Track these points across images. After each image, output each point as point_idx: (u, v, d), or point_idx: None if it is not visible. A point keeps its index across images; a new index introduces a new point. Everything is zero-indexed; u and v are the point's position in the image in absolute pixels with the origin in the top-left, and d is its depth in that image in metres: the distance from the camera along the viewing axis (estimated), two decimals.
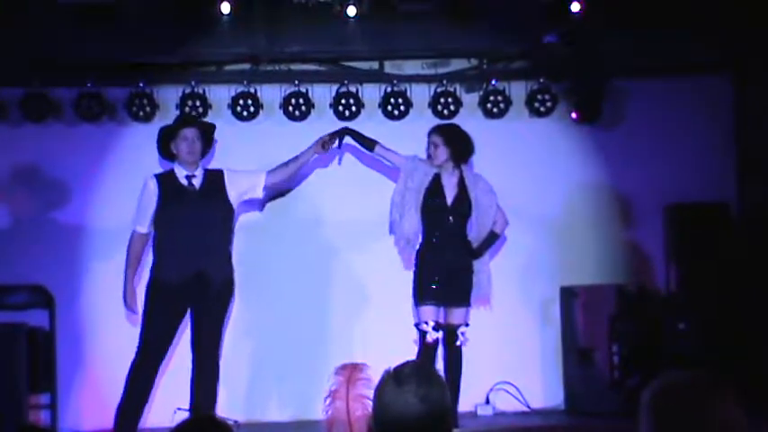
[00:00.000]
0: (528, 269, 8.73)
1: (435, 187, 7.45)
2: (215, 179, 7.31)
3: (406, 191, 7.46)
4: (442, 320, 7.36)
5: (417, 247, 7.47)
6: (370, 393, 4.25)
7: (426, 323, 7.32)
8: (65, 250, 8.43)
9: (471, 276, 7.49)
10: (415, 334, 7.40)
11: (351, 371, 4.33)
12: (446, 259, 7.38)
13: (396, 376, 3.05)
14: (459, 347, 7.43)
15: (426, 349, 7.31)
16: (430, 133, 7.51)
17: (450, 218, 7.45)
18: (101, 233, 8.38)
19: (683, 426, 2.57)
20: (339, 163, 8.47)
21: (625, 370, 8.16)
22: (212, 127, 7.47)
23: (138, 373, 7.07)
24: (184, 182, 7.23)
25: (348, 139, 7.69)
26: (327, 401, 4.33)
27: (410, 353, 7.23)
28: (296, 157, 7.47)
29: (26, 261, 8.34)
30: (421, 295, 7.40)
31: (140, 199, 7.25)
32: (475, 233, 7.49)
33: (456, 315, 7.40)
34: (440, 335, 7.33)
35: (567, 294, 8.60)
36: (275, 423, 8.20)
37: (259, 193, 7.51)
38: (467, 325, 7.46)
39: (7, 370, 7.66)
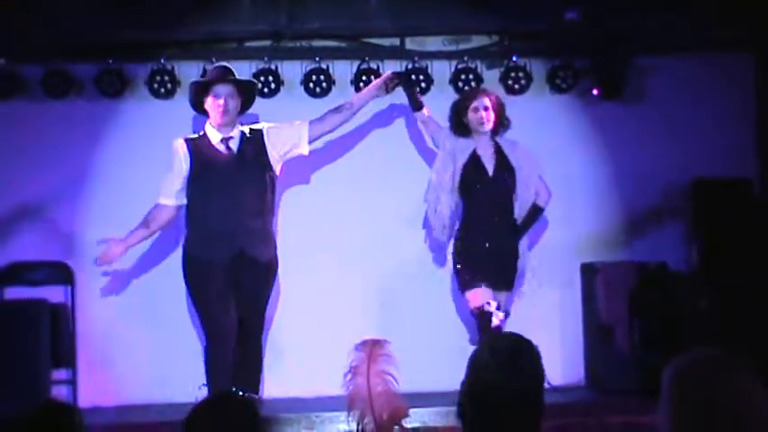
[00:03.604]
0: (548, 245, 8.70)
1: (474, 162, 7.18)
2: (255, 140, 6.78)
3: (444, 169, 7.18)
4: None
5: (456, 228, 7.25)
6: (391, 369, 4.26)
7: (489, 303, 6.89)
8: (84, 227, 8.44)
9: (517, 261, 7.24)
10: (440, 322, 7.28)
11: (372, 347, 4.32)
12: (490, 243, 7.09)
13: (491, 348, 2.99)
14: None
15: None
16: (475, 96, 7.27)
17: (494, 191, 7.15)
18: (121, 210, 8.38)
19: (704, 404, 2.58)
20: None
21: (646, 347, 8.14)
22: (252, 85, 7.10)
23: (214, 360, 6.66)
24: (221, 146, 6.72)
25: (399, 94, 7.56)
26: (348, 377, 4.32)
27: (435, 334, 7.16)
28: (350, 102, 7.09)
29: (46, 237, 8.37)
30: (469, 281, 7.03)
31: (170, 166, 6.78)
32: (518, 204, 7.24)
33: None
34: (502, 315, 6.93)
35: (588, 271, 8.58)
36: (296, 399, 8.21)
37: (304, 149, 6.94)
38: (505, 311, 7.05)
39: (32, 346, 7.71)
